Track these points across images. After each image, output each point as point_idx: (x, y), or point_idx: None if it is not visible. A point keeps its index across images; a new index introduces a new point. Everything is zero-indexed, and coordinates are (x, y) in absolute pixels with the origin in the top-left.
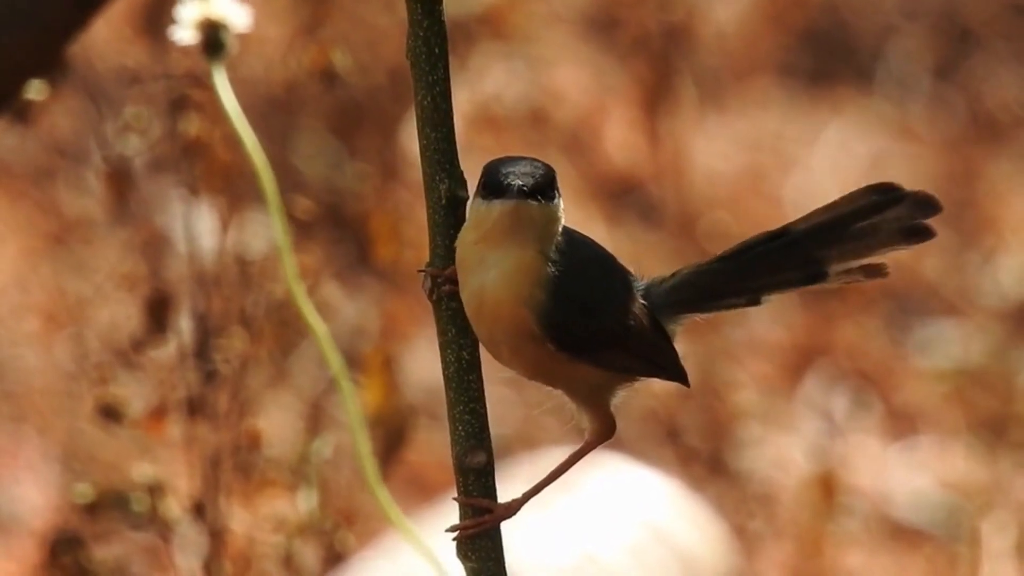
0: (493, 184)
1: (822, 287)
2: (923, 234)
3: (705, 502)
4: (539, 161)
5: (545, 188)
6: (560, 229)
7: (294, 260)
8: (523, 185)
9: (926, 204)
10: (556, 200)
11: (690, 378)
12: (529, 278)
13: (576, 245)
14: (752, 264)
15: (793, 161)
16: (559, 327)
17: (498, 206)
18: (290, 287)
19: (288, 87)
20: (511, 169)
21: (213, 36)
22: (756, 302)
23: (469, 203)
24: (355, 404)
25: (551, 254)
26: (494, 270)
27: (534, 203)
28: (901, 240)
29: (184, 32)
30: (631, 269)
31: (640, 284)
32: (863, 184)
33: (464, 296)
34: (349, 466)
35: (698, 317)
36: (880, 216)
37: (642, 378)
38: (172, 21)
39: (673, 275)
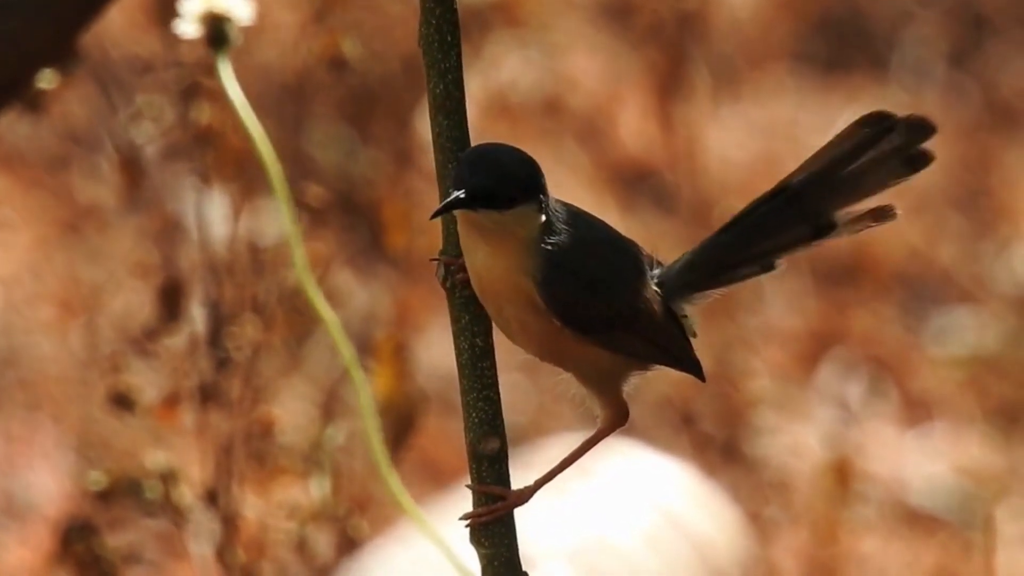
0: (454, 180)
1: (834, 238)
2: (923, 160)
3: (720, 489)
4: (507, 158)
5: (494, 195)
6: (540, 221)
7: (304, 250)
8: (459, 195)
9: (920, 127)
10: (516, 207)
11: (704, 365)
12: (516, 248)
13: (586, 225)
14: (757, 228)
15: (807, 148)
16: (562, 300)
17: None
18: (300, 277)
19: (301, 75)
20: (466, 169)
21: (217, 29)
22: (770, 267)
23: None
24: (367, 393)
25: (540, 232)
26: (484, 246)
27: (474, 213)
28: (902, 171)
29: (187, 26)
30: (653, 257)
31: (655, 272)
32: None
33: (471, 276)
34: (362, 453)
35: (713, 294)
36: (876, 150)
37: (655, 367)
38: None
39: (682, 257)
